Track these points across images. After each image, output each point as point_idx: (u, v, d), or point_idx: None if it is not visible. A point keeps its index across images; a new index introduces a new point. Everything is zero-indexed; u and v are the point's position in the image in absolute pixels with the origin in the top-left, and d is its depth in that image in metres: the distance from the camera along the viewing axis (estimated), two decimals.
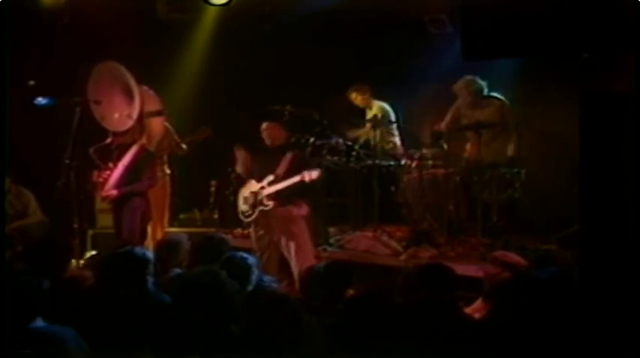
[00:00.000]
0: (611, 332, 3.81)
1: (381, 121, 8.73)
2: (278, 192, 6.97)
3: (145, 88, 7.57)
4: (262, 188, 7.06)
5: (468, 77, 7.98)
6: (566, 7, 4.23)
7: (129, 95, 7.26)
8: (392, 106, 9.04)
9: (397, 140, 8.97)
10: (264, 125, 7.34)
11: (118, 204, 7.14)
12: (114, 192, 7.03)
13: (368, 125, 8.95)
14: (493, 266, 5.30)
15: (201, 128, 8.47)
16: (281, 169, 7.02)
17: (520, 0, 4.72)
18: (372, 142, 8.62)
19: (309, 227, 7.24)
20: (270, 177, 7.04)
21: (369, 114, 8.98)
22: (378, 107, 9.01)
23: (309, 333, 3.94)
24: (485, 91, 8.03)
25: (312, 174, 6.83)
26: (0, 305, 3.59)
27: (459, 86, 8.08)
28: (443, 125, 8.30)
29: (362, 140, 8.90)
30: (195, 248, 5.56)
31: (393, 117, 9.00)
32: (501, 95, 8.04)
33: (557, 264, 4.96)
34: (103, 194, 7.15)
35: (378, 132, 8.70)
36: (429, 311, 4.23)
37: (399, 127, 8.99)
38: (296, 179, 6.85)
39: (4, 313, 3.59)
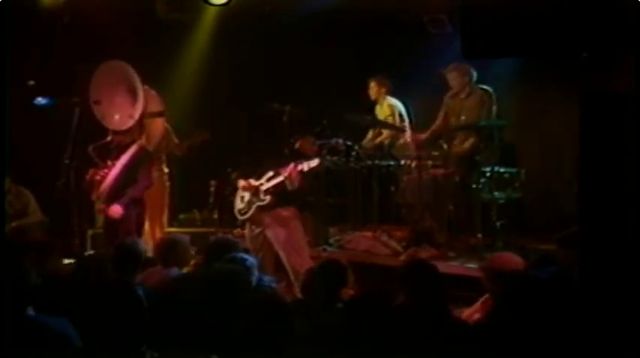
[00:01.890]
0: (611, 332, 3.81)
1: (389, 121, 8.77)
2: (276, 189, 6.96)
3: (147, 88, 7.58)
4: (261, 184, 7.06)
5: (458, 63, 7.95)
6: (566, 7, 4.23)
7: (132, 95, 7.26)
8: (404, 103, 9.02)
9: (409, 138, 8.96)
10: (301, 140, 7.39)
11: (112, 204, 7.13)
12: (118, 210, 7.00)
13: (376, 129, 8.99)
14: (488, 279, 5.22)
15: (198, 131, 8.49)
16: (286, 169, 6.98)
17: (520, 0, 4.71)
18: (385, 144, 8.68)
19: (303, 226, 7.23)
20: (270, 173, 7.04)
21: (378, 111, 8.98)
22: (388, 105, 8.98)
23: (302, 333, 3.97)
24: (474, 80, 7.99)
25: (310, 164, 6.81)
26: (0, 305, 3.59)
27: (448, 70, 8.04)
28: (436, 125, 8.30)
29: (377, 141, 8.91)
30: (209, 249, 5.57)
31: (404, 114, 8.97)
32: (501, 95, 8.02)
33: (557, 264, 4.96)
34: (100, 191, 7.14)
35: (387, 132, 8.74)
36: (420, 312, 4.24)
37: (411, 124, 8.96)
38: (297, 169, 6.82)
39: (4, 312, 3.60)
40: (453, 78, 8.05)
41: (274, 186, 6.96)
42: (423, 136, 8.25)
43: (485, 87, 7.96)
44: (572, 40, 4.04)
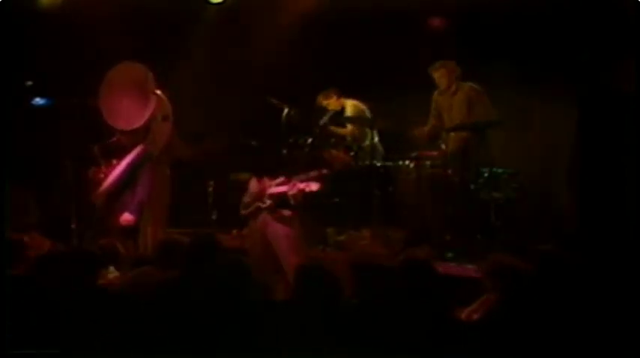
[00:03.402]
0: (611, 332, 3.82)
1: (358, 119, 8.77)
2: (278, 197, 6.93)
3: (158, 91, 7.55)
4: (269, 186, 7.02)
5: (444, 60, 7.96)
6: (565, 8, 4.25)
7: (143, 97, 7.26)
8: (366, 104, 9.04)
9: (376, 139, 8.97)
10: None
11: (110, 203, 7.14)
12: (129, 218, 7.02)
13: (349, 126, 9.00)
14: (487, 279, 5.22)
15: (208, 139, 8.52)
16: (300, 178, 6.92)
17: (519, 0, 4.73)
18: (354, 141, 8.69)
19: (302, 227, 7.21)
20: (281, 179, 7.00)
21: (350, 113, 9.01)
22: (351, 106, 9.01)
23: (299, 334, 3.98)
24: (459, 76, 8.00)
25: (312, 186, 6.79)
26: (0, 305, 3.59)
27: (435, 67, 8.05)
28: (425, 129, 8.32)
29: (348, 139, 8.94)
30: (194, 248, 5.56)
31: (368, 114, 9.00)
32: (500, 95, 8.01)
33: (558, 264, 4.96)
34: (100, 190, 7.14)
35: (357, 131, 8.75)
36: (418, 312, 4.25)
37: (376, 125, 8.97)
38: (301, 187, 6.78)
39: (4, 313, 3.60)
40: (440, 75, 8.06)
41: (278, 194, 6.93)
42: (426, 129, 8.28)
43: (471, 83, 7.97)
44: (573, 40, 4.05)
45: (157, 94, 7.40)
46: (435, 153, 8.20)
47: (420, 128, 8.34)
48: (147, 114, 7.21)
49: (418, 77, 8.44)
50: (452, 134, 8.07)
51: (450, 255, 7.41)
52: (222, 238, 6.23)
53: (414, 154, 8.22)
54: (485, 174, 7.59)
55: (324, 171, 6.91)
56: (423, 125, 8.41)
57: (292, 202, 6.79)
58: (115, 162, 7.14)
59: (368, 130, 8.85)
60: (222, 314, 4.15)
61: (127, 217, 6.99)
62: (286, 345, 3.91)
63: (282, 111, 8.17)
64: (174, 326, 4.23)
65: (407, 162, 8.29)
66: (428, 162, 8.15)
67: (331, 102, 9.04)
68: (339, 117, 8.95)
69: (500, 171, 7.67)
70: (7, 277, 3.74)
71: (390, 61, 8.97)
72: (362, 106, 9.00)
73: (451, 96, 8.08)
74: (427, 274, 4.55)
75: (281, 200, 6.91)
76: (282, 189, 6.88)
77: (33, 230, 8.01)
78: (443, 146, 8.14)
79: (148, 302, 4.50)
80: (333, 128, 9.03)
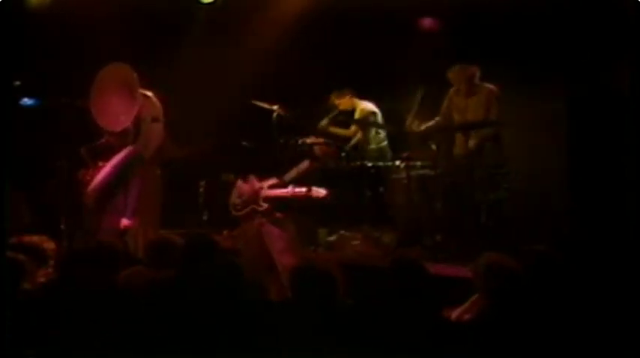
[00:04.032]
0: (610, 332, 3.82)
1: (368, 122, 8.75)
2: (276, 199, 6.88)
3: (147, 92, 7.54)
4: (261, 188, 6.97)
5: (462, 64, 7.93)
6: (565, 8, 4.26)
7: (130, 98, 7.24)
8: (378, 107, 9.05)
9: (385, 142, 8.98)
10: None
11: (100, 204, 7.12)
12: (127, 223, 7.02)
13: (354, 127, 8.99)
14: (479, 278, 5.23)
15: (201, 142, 8.52)
16: (289, 176, 6.88)
17: (519, 0, 4.73)
18: (361, 144, 8.66)
19: (296, 227, 7.21)
20: (274, 180, 6.95)
21: (357, 115, 9.01)
22: (363, 108, 9.01)
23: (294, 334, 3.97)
24: (478, 79, 7.98)
25: (319, 192, 6.74)
26: (0, 305, 3.58)
27: (453, 71, 8.01)
28: (439, 120, 8.27)
29: (353, 141, 8.94)
30: (189, 248, 5.54)
31: (379, 117, 9.01)
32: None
33: (553, 264, 4.96)
34: (87, 191, 7.13)
35: (364, 133, 8.72)
36: (409, 312, 4.25)
37: (386, 128, 8.99)
38: (302, 191, 6.72)
39: (4, 313, 3.59)
40: (458, 78, 8.03)
41: (275, 197, 6.88)
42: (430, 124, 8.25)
43: (490, 85, 7.94)
44: (571, 40, 4.06)
45: (142, 95, 7.39)
46: (426, 153, 8.19)
47: (419, 123, 8.28)
48: (132, 116, 7.20)
49: (417, 77, 8.47)
50: (461, 137, 8.05)
51: (441, 255, 7.41)
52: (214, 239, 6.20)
53: (405, 155, 8.21)
54: (479, 174, 7.61)
55: (309, 162, 6.88)
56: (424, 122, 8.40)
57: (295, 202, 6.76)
58: (101, 163, 7.13)
59: (374, 133, 8.87)
60: (216, 314, 4.14)
61: (125, 222, 7.00)
62: (281, 345, 3.90)
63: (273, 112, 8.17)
64: (168, 327, 4.22)
65: (397, 162, 8.29)
66: (419, 163, 8.15)
67: (343, 102, 9.04)
68: (341, 116, 8.96)
69: (492, 171, 7.68)
70: (8, 278, 3.72)
71: (389, 61, 8.99)
72: (372, 109, 8.99)
73: (466, 97, 8.04)
74: (418, 274, 4.55)
75: (278, 203, 6.87)
76: (281, 192, 6.82)
77: (27, 230, 8.03)
78: (433, 147, 8.12)
79: (141, 302, 4.48)
80: (334, 128, 9.04)
